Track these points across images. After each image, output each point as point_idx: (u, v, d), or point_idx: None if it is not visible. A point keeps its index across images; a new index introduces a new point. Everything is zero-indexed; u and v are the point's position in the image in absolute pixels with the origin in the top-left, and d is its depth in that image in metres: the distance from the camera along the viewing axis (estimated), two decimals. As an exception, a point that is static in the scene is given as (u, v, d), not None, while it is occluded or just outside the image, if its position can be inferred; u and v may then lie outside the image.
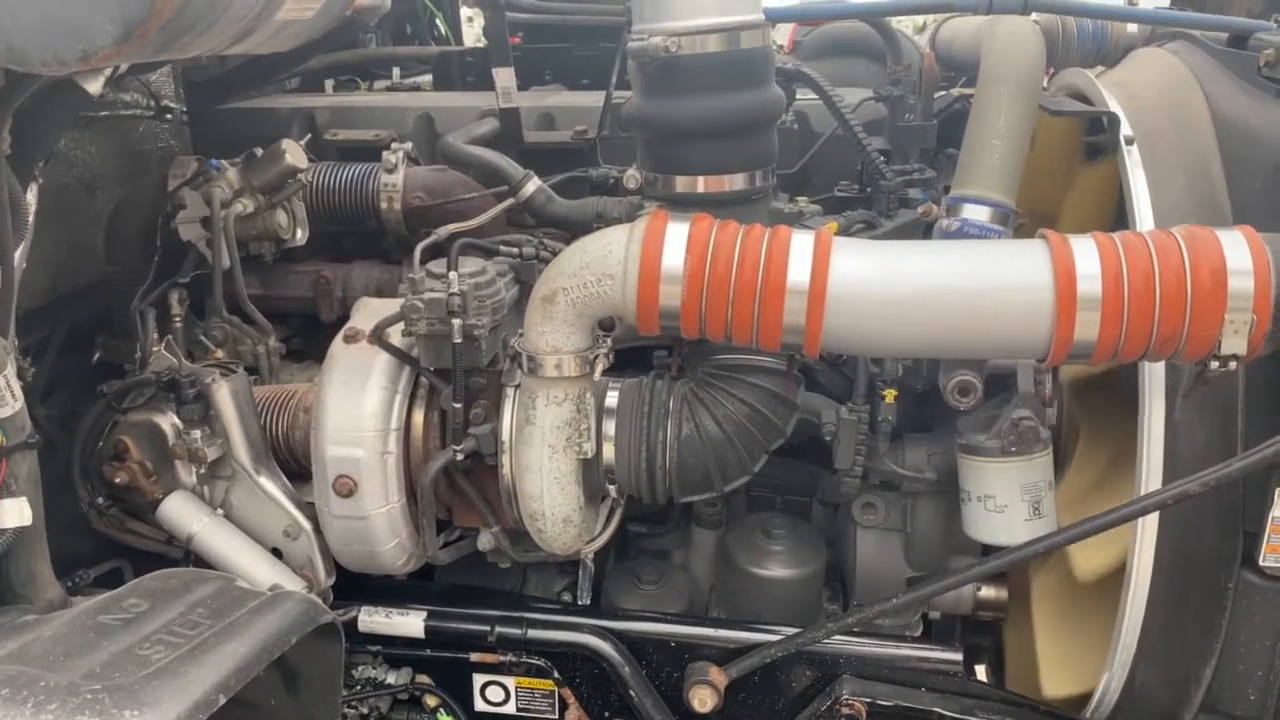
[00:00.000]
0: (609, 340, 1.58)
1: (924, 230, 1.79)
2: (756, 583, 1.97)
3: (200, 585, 1.35)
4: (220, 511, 1.76)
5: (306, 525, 1.73)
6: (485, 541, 1.74)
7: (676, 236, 1.45)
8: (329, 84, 2.73)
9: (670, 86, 1.56)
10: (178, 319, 1.96)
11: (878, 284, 1.41)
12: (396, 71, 2.81)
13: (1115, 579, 1.67)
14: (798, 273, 1.42)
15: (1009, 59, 1.69)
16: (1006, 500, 1.71)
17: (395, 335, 1.62)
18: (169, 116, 2.48)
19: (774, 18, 1.70)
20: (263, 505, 1.75)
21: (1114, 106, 1.86)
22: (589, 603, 2.08)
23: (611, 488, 1.68)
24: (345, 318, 1.97)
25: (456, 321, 1.51)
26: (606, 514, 1.77)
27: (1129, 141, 1.77)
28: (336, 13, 1.35)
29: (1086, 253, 1.38)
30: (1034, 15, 1.92)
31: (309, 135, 2.19)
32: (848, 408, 1.80)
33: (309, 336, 2.23)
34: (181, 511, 1.73)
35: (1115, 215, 1.97)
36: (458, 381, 1.56)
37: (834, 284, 1.41)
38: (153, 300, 1.92)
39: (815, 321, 1.42)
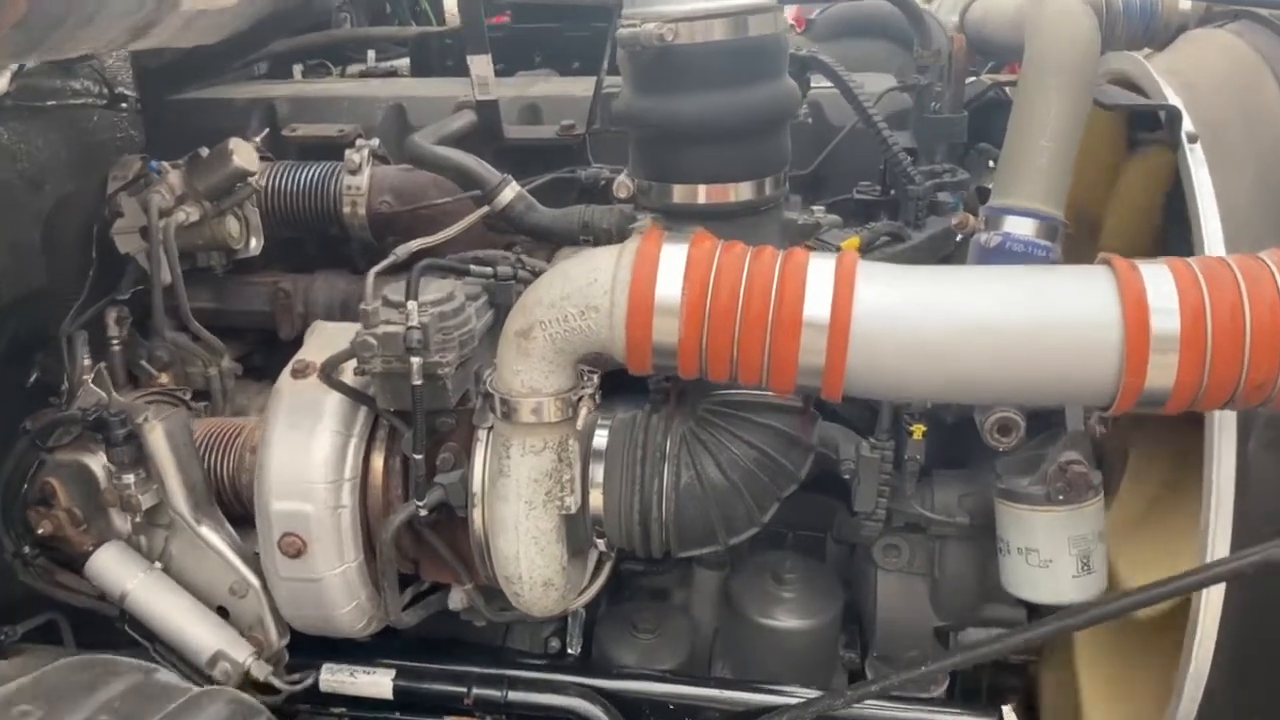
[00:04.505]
0: (595, 378, 1.37)
1: (956, 242, 1.57)
2: (764, 634, 1.76)
3: (112, 680, 1.15)
4: (159, 565, 1.55)
5: (254, 581, 1.52)
6: (457, 600, 1.54)
7: (672, 261, 1.24)
8: (297, 69, 2.50)
9: (666, 81, 1.34)
10: (115, 341, 1.74)
11: (911, 318, 1.19)
12: (371, 55, 2.58)
13: (1173, 611, 1.46)
14: (816, 305, 1.20)
15: (1059, 45, 1.46)
16: (1051, 554, 1.50)
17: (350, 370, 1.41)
18: (124, 105, 2.26)
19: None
20: (206, 559, 1.54)
21: (1171, 96, 1.64)
22: (580, 650, 1.88)
23: (600, 541, 1.47)
24: (307, 334, 1.75)
25: (416, 360, 1.29)
26: (595, 563, 1.56)
27: (1192, 139, 1.55)
28: (260, 6, 1.13)
29: (1160, 283, 1.16)
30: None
31: (266, 130, 1.96)
32: (870, 444, 1.59)
33: (269, 353, 2.02)
34: (113, 566, 1.53)
35: (1162, 213, 1.76)
36: (418, 429, 1.34)
37: (859, 318, 1.19)
38: (85, 321, 1.71)
39: (837, 362, 1.20)
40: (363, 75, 2.55)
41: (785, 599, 1.78)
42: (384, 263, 1.34)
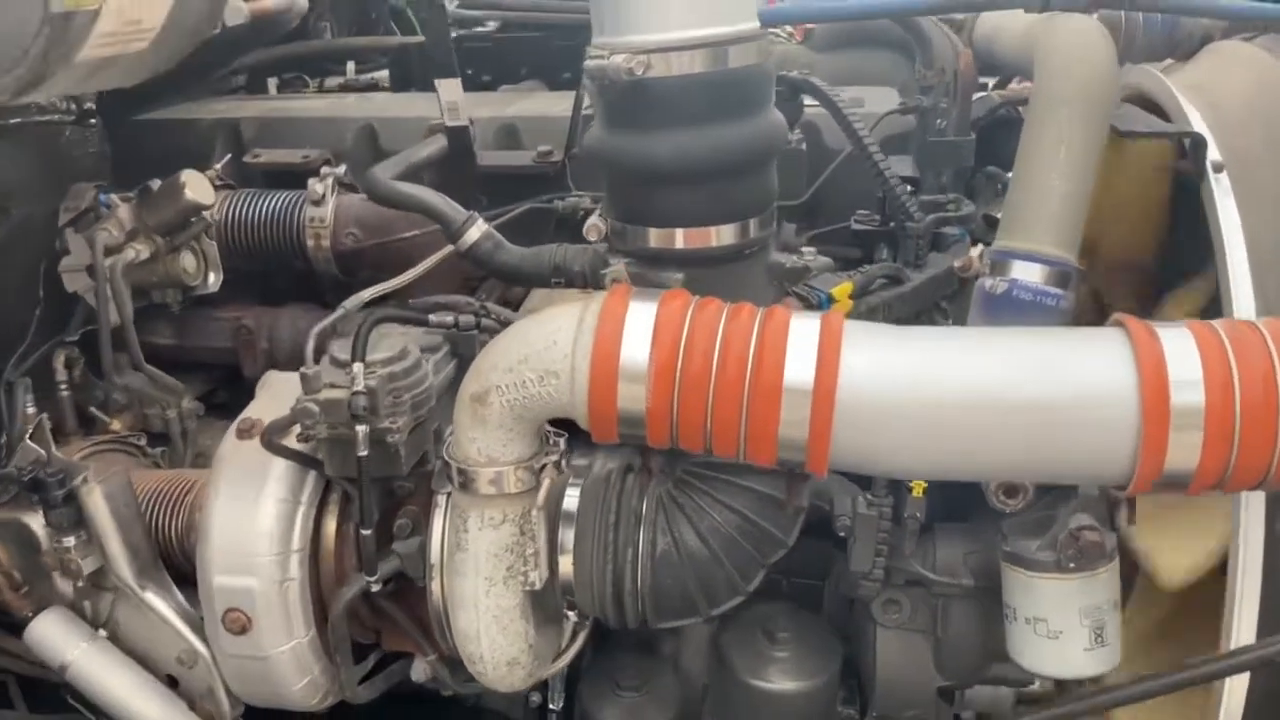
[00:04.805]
0: (562, 442, 1.26)
1: (959, 284, 1.45)
2: (757, 696, 1.64)
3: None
4: (103, 632, 1.45)
5: (204, 651, 1.42)
6: (420, 671, 1.43)
7: (640, 321, 1.12)
8: (273, 82, 2.38)
9: (638, 117, 1.22)
10: (64, 386, 1.64)
11: (904, 388, 1.08)
12: (351, 66, 2.46)
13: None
14: (798, 370, 1.09)
15: (1072, 72, 1.33)
16: (1061, 625, 1.37)
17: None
18: (92, 121, 2.15)
19: (772, 20, 1.35)
20: (152, 626, 1.44)
21: (1195, 119, 1.52)
22: (561, 706, 1.77)
23: (571, 613, 1.36)
24: (274, 372, 1.65)
25: (362, 428, 1.18)
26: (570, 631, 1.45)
27: (1217, 168, 1.43)
28: (188, 40, 1.02)
29: (1181, 349, 1.04)
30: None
31: (228, 156, 1.85)
32: (866, 500, 1.47)
33: (235, 389, 1.92)
34: (54, 635, 1.43)
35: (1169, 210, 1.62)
36: (365, 504, 1.23)
37: (846, 386, 1.08)
38: (30, 365, 1.61)
39: (821, 434, 1.09)
40: (342, 88, 2.43)
41: (778, 658, 1.66)
42: (328, 319, 1.23)
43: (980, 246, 1.76)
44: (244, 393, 1.78)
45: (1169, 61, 1.93)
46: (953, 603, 1.61)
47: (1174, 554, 1.36)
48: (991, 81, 2.09)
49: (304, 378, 1.19)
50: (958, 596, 1.59)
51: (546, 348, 1.13)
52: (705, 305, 1.15)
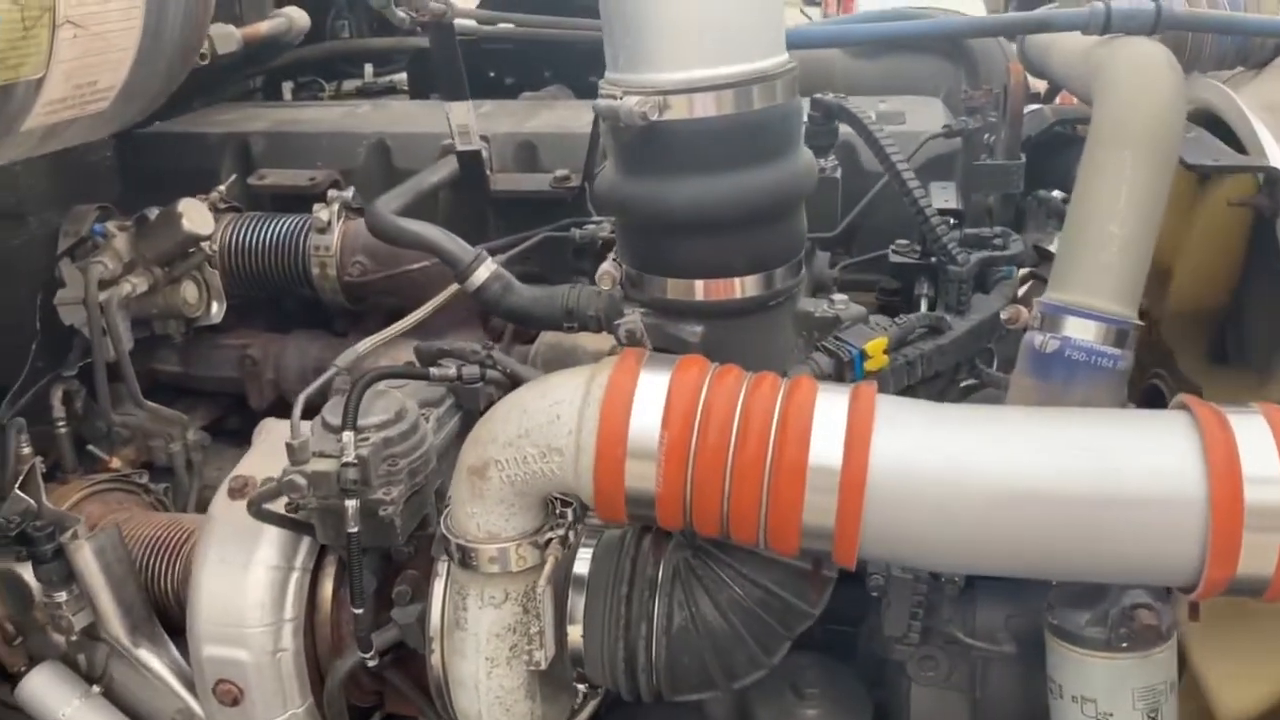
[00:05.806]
0: (570, 512, 1.17)
1: (1005, 333, 1.34)
2: (782, 755, 1.56)
3: None
4: (98, 689, 1.39)
5: (199, 710, 1.35)
6: (424, 739, 1.36)
7: (650, 394, 1.03)
8: (288, 86, 2.29)
9: (654, 163, 1.12)
10: (62, 423, 1.58)
11: (943, 475, 0.98)
12: (369, 69, 2.37)
13: None
14: (824, 451, 0.99)
15: (1135, 108, 1.20)
16: (1111, 706, 1.27)
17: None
18: (106, 128, 2.08)
19: (801, 44, 1.24)
20: (147, 683, 1.38)
21: (1272, 149, 1.38)
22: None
23: (581, 686, 1.28)
24: (282, 401, 1.59)
25: (352, 503, 1.10)
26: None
27: (1295, 206, 1.30)
28: (162, 85, 0.93)
29: (1255, 439, 0.93)
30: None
31: (234, 177, 1.76)
32: (901, 561, 1.37)
33: (247, 415, 1.85)
34: (46, 692, 1.37)
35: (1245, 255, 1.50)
36: (356, 581, 1.15)
37: (877, 471, 0.98)
38: (25, 403, 1.54)
39: (850, 522, 0.99)
40: (359, 92, 2.34)
41: (808, 717, 1.57)
42: (314, 385, 1.14)
43: (1028, 270, 1.65)
44: (257, 419, 1.71)
45: (1238, 69, 1.78)
46: (993, 663, 1.51)
47: (1239, 682, 1.25)
48: (1043, 88, 1.95)
49: (290, 448, 1.11)
50: (999, 659, 1.49)
51: (549, 422, 1.04)
52: (723, 376, 1.05)
